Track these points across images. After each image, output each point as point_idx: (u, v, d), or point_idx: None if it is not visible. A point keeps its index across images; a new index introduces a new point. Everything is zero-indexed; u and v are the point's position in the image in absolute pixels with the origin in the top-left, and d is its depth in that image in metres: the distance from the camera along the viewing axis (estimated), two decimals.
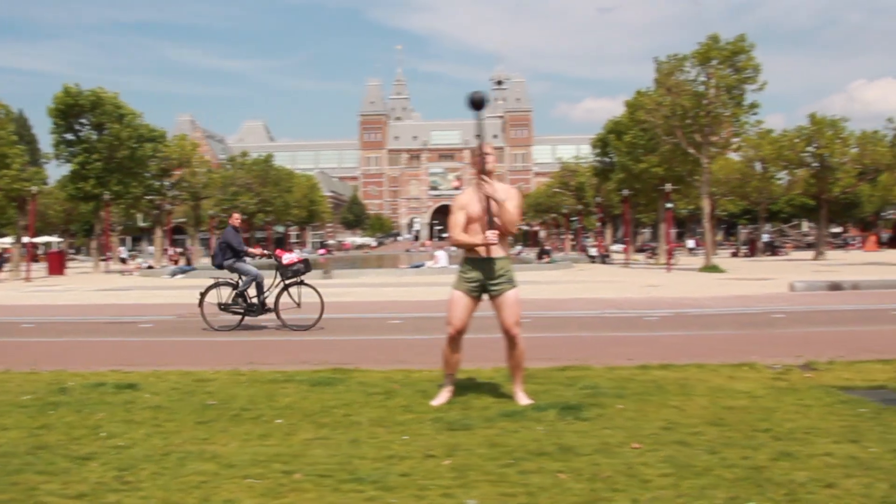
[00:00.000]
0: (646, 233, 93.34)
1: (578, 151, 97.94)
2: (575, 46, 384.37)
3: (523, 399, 6.66)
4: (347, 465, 4.81)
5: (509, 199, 6.65)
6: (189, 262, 42.63)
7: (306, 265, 14.35)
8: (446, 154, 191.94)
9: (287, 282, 14.01)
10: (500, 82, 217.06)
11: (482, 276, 6.67)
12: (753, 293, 20.66)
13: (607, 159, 54.72)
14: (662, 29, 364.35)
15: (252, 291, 14.25)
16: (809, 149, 48.16)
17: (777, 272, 31.57)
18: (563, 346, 10.73)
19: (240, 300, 14.18)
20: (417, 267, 38.85)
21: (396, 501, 4.18)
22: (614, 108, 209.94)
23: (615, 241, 71.43)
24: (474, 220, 6.66)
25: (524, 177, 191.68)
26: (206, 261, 62.85)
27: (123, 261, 55.51)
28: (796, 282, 21.55)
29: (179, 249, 48.90)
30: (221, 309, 14.25)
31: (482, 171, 6.70)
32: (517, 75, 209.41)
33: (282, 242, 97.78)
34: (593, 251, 51.96)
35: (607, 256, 48.92)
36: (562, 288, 24.06)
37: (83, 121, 43.57)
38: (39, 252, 66.31)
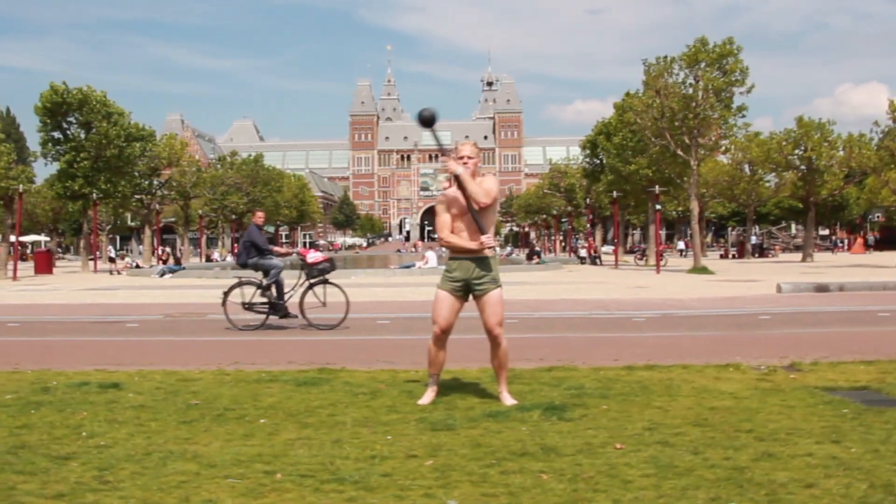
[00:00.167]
0: (636, 234, 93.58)
1: (568, 153, 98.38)
2: (565, 48, 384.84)
3: (508, 399, 6.67)
4: (329, 466, 4.79)
5: (483, 181, 6.69)
6: (177, 262, 42.45)
7: (331, 264, 14.27)
8: (437, 155, 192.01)
9: (312, 281, 13.93)
10: (490, 83, 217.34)
11: (466, 275, 6.67)
12: (740, 295, 20.72)
13: (597, 161, 54.75)
14: (652, 31, 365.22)
15: (273, 291, 14.14)
16: (797, 152, 48.35)
17: (765, 274, 31.66)
18: (549, 347, 10.73)
19: (270, 292, 13.98)
20: (407, 267, 38.86)
21: (377, 502, 4.17)
22: (604, 110, 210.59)
23: (605, 243, 71.51)
24: (458, 219, 6.68)
25: (515, 178, 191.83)
26: (196, 260, 62.85)
27: (112, 260, 55.31)
28: (783, 283, 21.61)
29: (168, 249, 48.64)
30: (246, 308, 14.09)
31: (457, 179, 6.69)
32: (507, 76, 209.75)
33: (272, 242, 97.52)
34: (583, 252, 52.00)
35: (597, 258, 48.95)
36: (550, 289, 24.07)
37: (71, 119, 43.39)
38: (27, 251, 66.14)
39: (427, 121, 6.92)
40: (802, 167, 48.87)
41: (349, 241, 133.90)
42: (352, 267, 41.76)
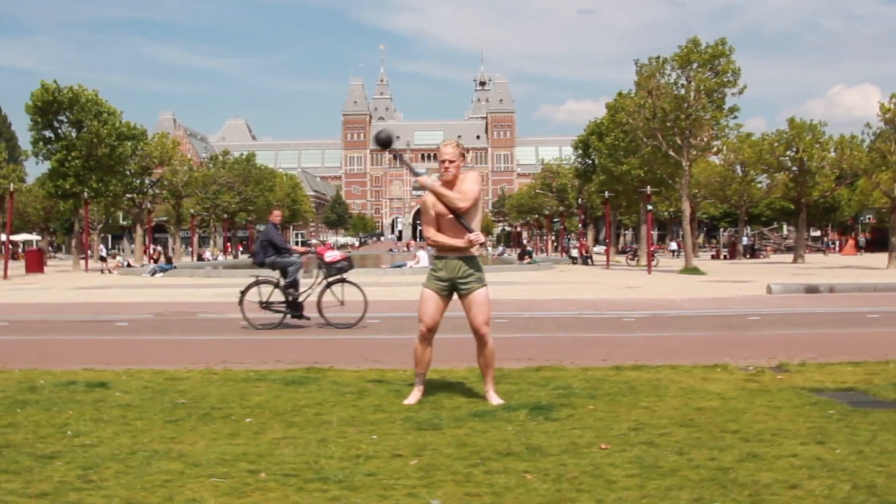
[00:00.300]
0: (628, 235, 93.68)
1: (561, 153, 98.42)
2: (558, 48, 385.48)
3: (495, 399, 6.66)
4: (314, 465, 4.78)
5: (462, 183, 6.67)
6: (169, 261, 42.38)
7: (349, 263, 14.24)
8: (429, 154, 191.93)
9: (330, 279, 13.88)
10: (483, 83, 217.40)
11: (452, 274, 6.68)
12: (731, 295, 20.76)
13: (589, 161, 54.87)
14: (645, 32, 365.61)
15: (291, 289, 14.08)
16: (788, 153, 48.51)
17: (756, 275, 31.73)
18: (539, 347, 10.74)
19: (290, 291, 13.91)
20: (399, 267, 38.87)
21: (360, 501, 4.16)
22: (597, 110, 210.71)
23: (597, 243, 71.60)
24: (443, 218, 6.69)
25: (507, 178, 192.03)
26: (188, 259, 62.75)
27: (103, 259, 55.19)
28: (773, 284, 21.67)
29: (159, 248, 48.58)
30: (263, 307, 14.04)
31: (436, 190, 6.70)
32: (500, 76, 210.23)
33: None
34: (574, 253, 52.06)
35: (589, 258, 49.01)
36: (541, 289, 24.10)
37: (62, 118, 43.28)
38: (18, 250, 65.96)
39: (384, 143, 7.02)
40: (794, 168, 49.02)
41: (341, 240, 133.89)
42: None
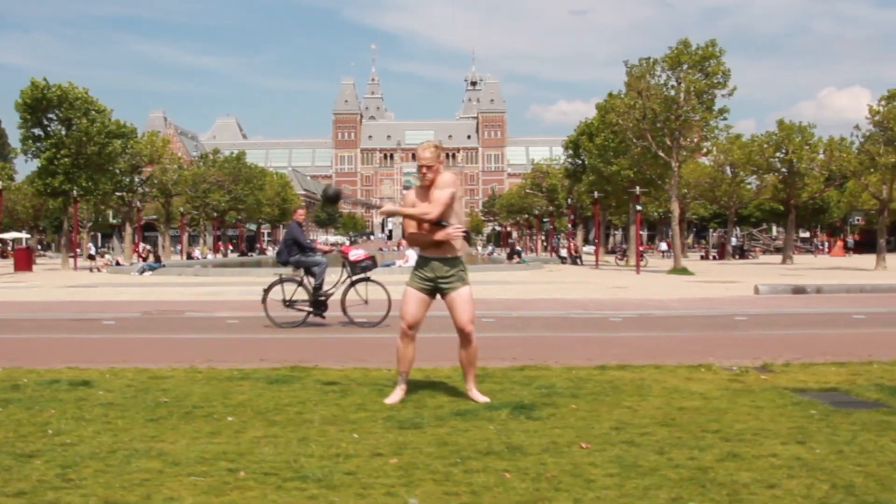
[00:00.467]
0: (617, 235, 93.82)
1: (551, 153, 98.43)
2: (549, 49, 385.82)
3: (478, 397, 6.67)
4: (294, 464, 4.78)
5: (438, 187, 6.65)
6: (157, 259, 42.28)
7: (374, 262, 14.22)
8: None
9: (354, 278, 13.85)
10: (474, 83, 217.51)
11: (433, 274, 6.69)
12: (718, 296, 20.81)
13: (579, 161, 54.91)
14: (637, 33, 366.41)
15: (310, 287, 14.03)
16: (778, 154, 48.62)
17: (744, 275, 31.81)
18: (524, 346, 10.74)
19: (319, 292, 13.90)
20: (387, 266, 38.80)
21: (338, 500, 4.16)
22: (588, 111, 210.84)
23: (586, 243, 71.70)
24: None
25: (497, 177, 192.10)
26: (177, 258, 62.63)
27: (92, 257, 55.04)
28: (761, 285, 21.72)
29: (148, 246, 48.45)
30: (286, 306, 14.01)
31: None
32: (491, 76, 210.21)
33: (253, 240, 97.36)
34: (564, 252, 52.11)
35: (578, 258, 49.07)
36: (530, 288, 24.12)
37: (51, 116, 43.14)
38: (7, 248, 65.71)
39: (332, 198, 7.11)
40: (783, 170, 49.15)
41: (331, 239, 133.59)
42: (333, 265, 41.67)
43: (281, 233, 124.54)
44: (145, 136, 55.96)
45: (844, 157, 41.81)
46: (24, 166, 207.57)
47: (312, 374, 8.04)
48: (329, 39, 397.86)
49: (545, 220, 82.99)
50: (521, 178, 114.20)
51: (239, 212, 75.94)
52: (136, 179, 55.09)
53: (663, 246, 72.02)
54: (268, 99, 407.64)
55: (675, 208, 37.71)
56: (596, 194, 45.68)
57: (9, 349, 10.94)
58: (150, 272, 36.00)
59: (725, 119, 36.76)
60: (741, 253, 61.75)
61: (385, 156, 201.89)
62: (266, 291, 13.97)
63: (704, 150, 43.57)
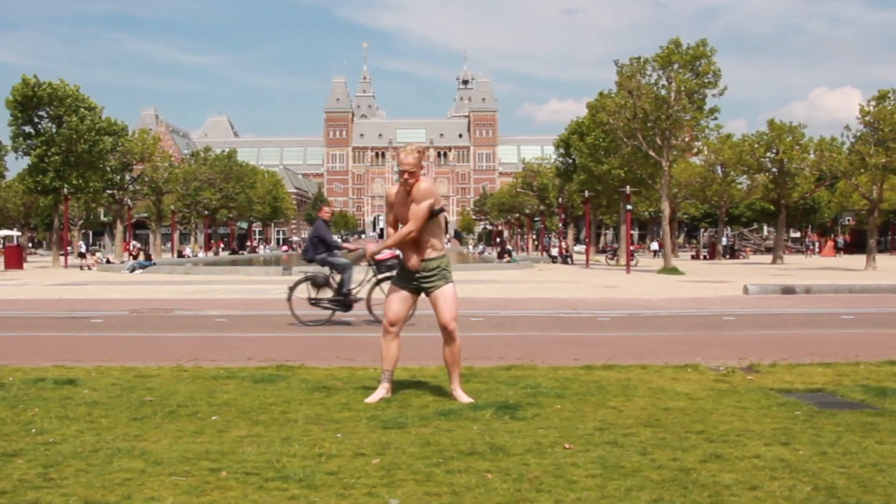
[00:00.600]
0: (608, 234, 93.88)
1: (543, 152, 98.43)
2: (541, 48, 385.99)
3: (462, 397, 6.66)
4: (276, 463, 4.76)
5: (416, 200, 6.63)
6: (148, 257, 42.17)
7: (399, 261, 14.18)
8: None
9: (380, 277, 13.85)
10: (465, 82, 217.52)
11: (415, 273, 6.72)
12: (707, 295, 20.83)
13: (570, 160, 54.96)
14: (628, 32, 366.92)
15: (334, 284, 14.03)
16: (769, 154, 48.72)
17: (734, 275, 31.86)
18: (511, 346, 10.74)
19: (343, 292, 13.91)
20: None
21: (319, 500, 4.15)
22: (579, 110, 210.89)
23: (577, 242, 71.75)
24: (403, 220, 6.72)
25: (489, 176, 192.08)
26: (168, 256, 62.43)
27: (82, 255, 54.89)
28: (750, 285, 21.75)
29: (138, 244, 48.33)
30: (312, 304, 14.01)
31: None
32: (483, 75, 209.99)
33: (245, 239, 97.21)
34: (554, 252, 52.13)
35: (569, 257, 49.10)
36: (519, 287, 24.11)
37: (42, 113, 42.99)
38: None
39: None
40: (774, 170, 49.26)
41: None
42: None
43: (272, 231, 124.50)
44: (136, 134, 55.77)
45: (835, 158, 41.91)
46: (15, 164, 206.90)
47: (298, 373, 8.03)
48: (321, 38, 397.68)
49: (536, 219, 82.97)
50: (512, 177, 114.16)
51: (230, 210, 75.82)
52: (127, 177, 54.94)
53: (654, 245, 72.11)
54: (259, 97, 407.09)
55: (666, 208, 37.74)
56: (587, 193, 45.71)
57: None
58: (141, 270, 35.92)
59: (716, 119, 36.84)
60: (732, 253, 61.88)
61: (376, 154, 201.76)
62: (291, 290, 14.00)
63: (695, 149, 43.67)
